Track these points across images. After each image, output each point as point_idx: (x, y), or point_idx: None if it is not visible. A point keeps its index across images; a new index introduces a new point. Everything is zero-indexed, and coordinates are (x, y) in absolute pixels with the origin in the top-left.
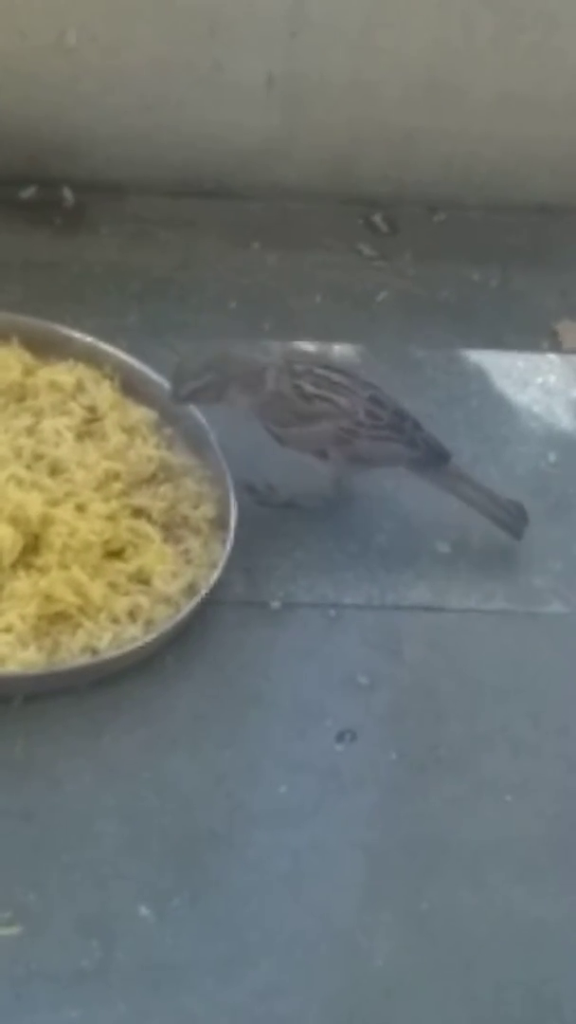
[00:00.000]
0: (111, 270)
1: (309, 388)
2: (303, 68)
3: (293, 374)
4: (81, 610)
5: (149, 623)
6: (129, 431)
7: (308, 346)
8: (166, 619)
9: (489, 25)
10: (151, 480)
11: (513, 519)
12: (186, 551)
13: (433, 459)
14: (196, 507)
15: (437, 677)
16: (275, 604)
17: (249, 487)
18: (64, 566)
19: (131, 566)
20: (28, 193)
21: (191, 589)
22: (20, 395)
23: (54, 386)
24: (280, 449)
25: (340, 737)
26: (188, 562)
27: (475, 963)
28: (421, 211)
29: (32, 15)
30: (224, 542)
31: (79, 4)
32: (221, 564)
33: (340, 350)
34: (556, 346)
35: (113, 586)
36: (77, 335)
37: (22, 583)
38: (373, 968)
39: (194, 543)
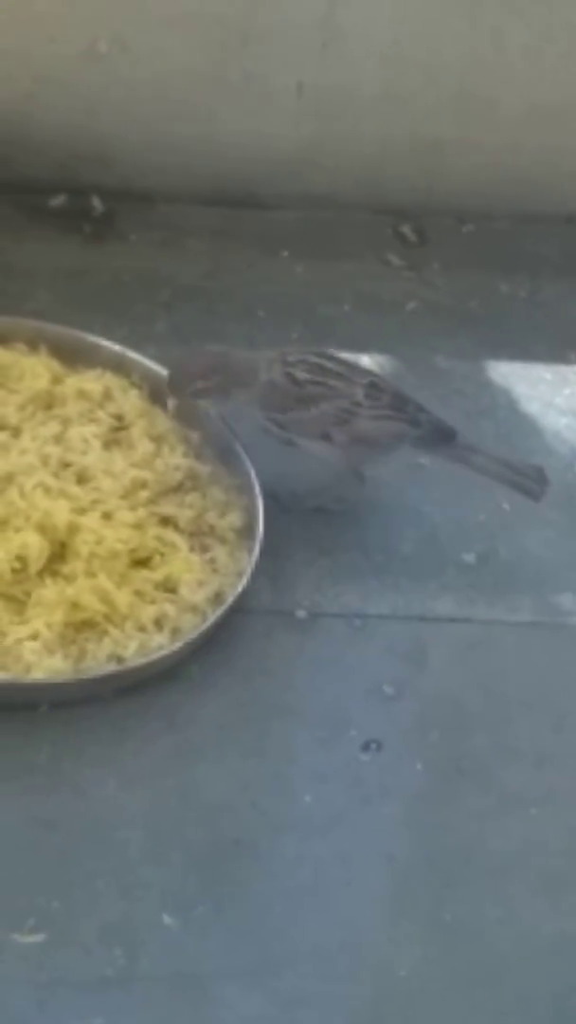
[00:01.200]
0: (140, 278)
1: (301, 375)
2: (334, 78)
3: (285, 363)
4: (107, 618)
5: (175, 631)
6: (156, 439)
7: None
8: (192, 628)
9: (519, 36)
10: (178, 489)
11: (533, 481)
12: (212, 560)
13: (439, 436)
14: (223, 516)
15: (463, 688)
16: (301, 613)
17: (273, 495)
18: (91, 574)
19: (158, 574)
20: (58, 201)
21: (217, 598)
22: (48, 403)
23: (82, 394)
24: (302, 457)
25: (365, 747)
26: (215, 571)
27: (499, 975)
28: (450, 222)
29: (63, 23)
30: (250, 551)
31: (110, 12)
32: (247, 573)
33: (367, 360)
34: None
35: (139, 594)
36: (105, 343)
37: (49, 591)
38: (397, 978)
39: (220, 552)
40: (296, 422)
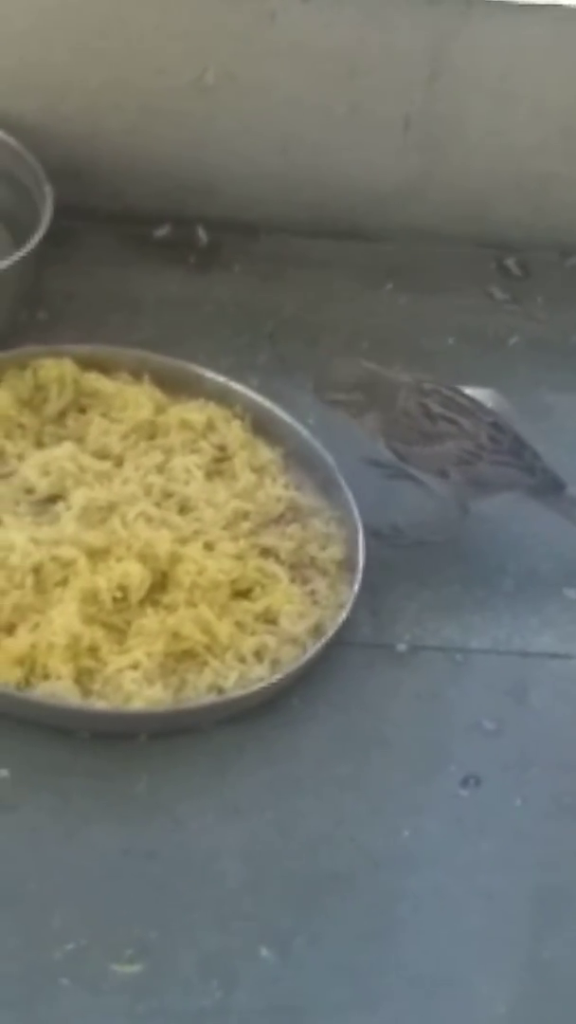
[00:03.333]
0: (243, 309)
1: (436, 408)
2: (441, 111)
3: (421, 392)
4: (208, 649)
5: (275, 663)
6: (258, 471)
7: None
8: (292, 659)
9: None
10: (279, 520)
11: None
12: (313, 592)
13: (550, 486)
14: (324, 548)
15: (563, 725)
16: (401, 647)
17: (375, 532)
18: (192, 604)
19: (258, 606)
20: (162, 232)
21: (317, 630)
22: (151, 433)
23: (185, 424)
24: (403, 490)
25: (464, 782)
26: (315, 603)
27: None
28: (554, 256)
29: (171, 54)
30: (351, 584)
31: (218, 44)
32: (348, 605)
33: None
34: None
35: (240, 625)
36: (209, 374)
37: (150, 620)
38: (495, 1015)
39: (321, 584)
40: (417, 456)
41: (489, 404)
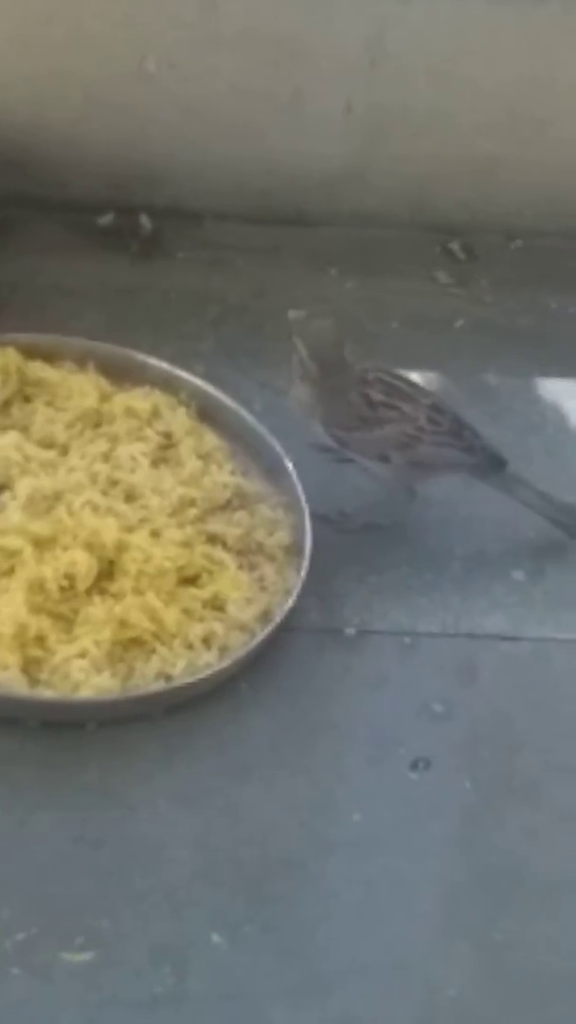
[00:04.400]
0: (187, 297)
1: (377, 396)
2: (383, 97)
3: (364, 383)
4: (155, 636)
5: (223, 650)
6: (204, 458)
7: None
8: (240, 646)
9: (570, 55)
10: (226, 507)
11: (571, 519)
12: (261, 578)
13: (491, 465)
14: (271, 534)
15: (512, 706)
16: (350, 631)
17: (322, 517)
18: (139, 592)
19: (205, 592)
20: (106, 220)
21: (265, 616)
22: (96, 421)
23: (130, 412)
24: (350, 474)
25: (414, 765)
26: (263, 589)
27: (551, 995)
28: (499, 238)
29: (112, 44)
30: (299, 569)
31: (159, 32)
32: (296, 591)
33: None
34: None
35: (187, 612)
36: (153, 361)
37: (97, 609)
38: (447, 999)
39: (268, 570)
40: (358, 442)
41: (432, 387)
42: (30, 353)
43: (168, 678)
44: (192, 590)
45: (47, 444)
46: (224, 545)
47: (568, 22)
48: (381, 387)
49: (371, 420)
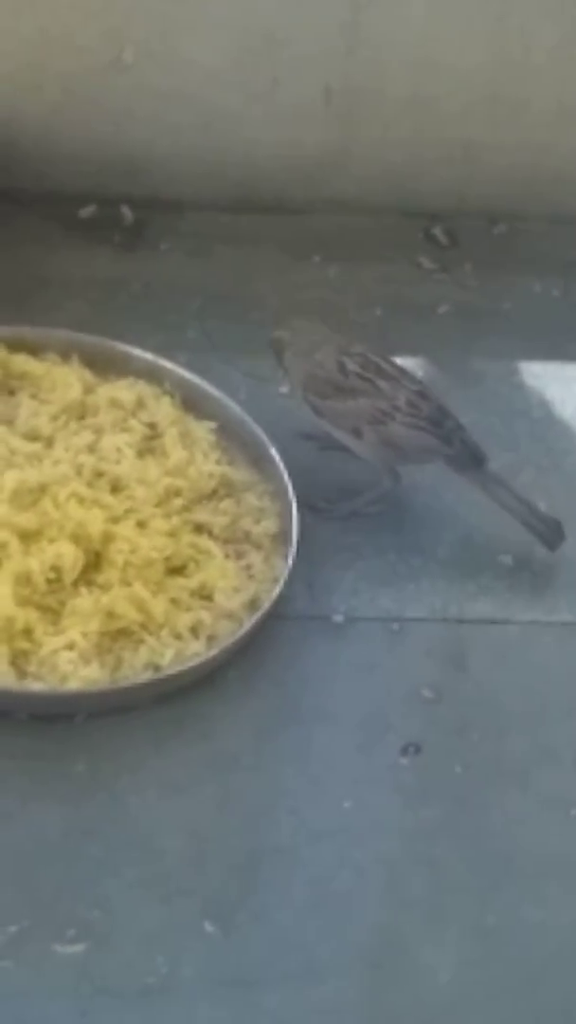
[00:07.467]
0: (170, 287)
1: (352, 366)
2: (361, 83)
3: (343, 352)
4: (143, 626)
5: (211, 639)
6: (190, 447)
7: None
8: (228, 634)
9: (548, 37)
10: (212, 496)
11: (549, 531)
12: (248, 566)
13: (469, 459)
14: (258, 522)
15: (501, 690)
16: (338, 618)
17: (309, 505)
18: (126, 583)
19: (193, 582)
20: (88, 211)
21: (253, 604)
22: (81, 413)
23: (114, 403)
24: (336, 462)
25: (404, 751)
26: (250, 577)
27: (541, 978)
28: (481, 223)
29: (89, 34)
30: (286, 557)
31: (136, 22)
32: (283, 579)
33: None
34: None
35: (175, 602)
36: (137, 352)
37: (84, 600)
38: (438, 984)
39: (256, 558)
40: (331, 411)
41: (418, 374)
42: (14, 346)
43: (156, 668)
44: (179, 580)
45: (32, 437)
46: (211, 534)
47: (542, 2)
48: (360, 360)
49: (344, 389)
